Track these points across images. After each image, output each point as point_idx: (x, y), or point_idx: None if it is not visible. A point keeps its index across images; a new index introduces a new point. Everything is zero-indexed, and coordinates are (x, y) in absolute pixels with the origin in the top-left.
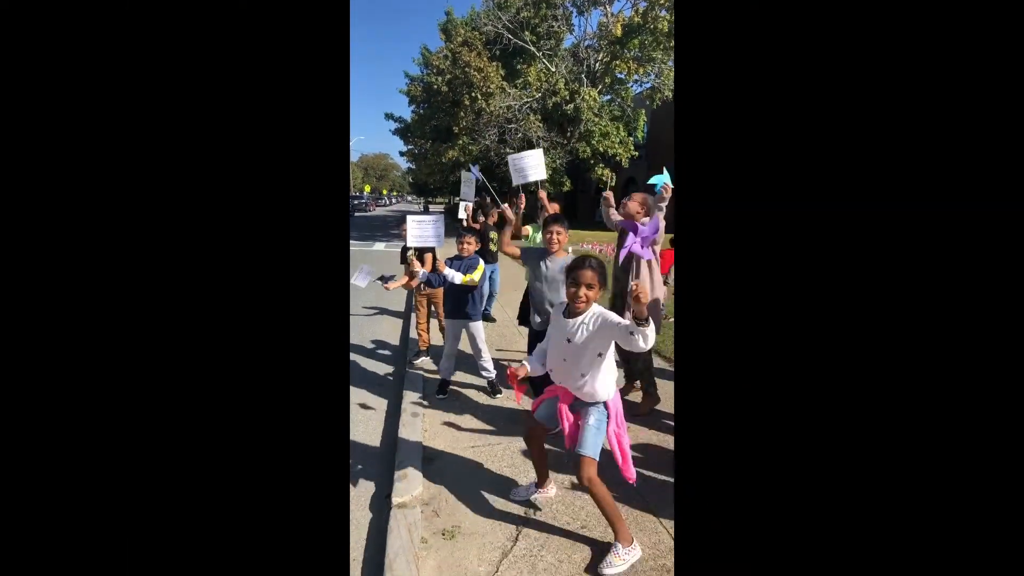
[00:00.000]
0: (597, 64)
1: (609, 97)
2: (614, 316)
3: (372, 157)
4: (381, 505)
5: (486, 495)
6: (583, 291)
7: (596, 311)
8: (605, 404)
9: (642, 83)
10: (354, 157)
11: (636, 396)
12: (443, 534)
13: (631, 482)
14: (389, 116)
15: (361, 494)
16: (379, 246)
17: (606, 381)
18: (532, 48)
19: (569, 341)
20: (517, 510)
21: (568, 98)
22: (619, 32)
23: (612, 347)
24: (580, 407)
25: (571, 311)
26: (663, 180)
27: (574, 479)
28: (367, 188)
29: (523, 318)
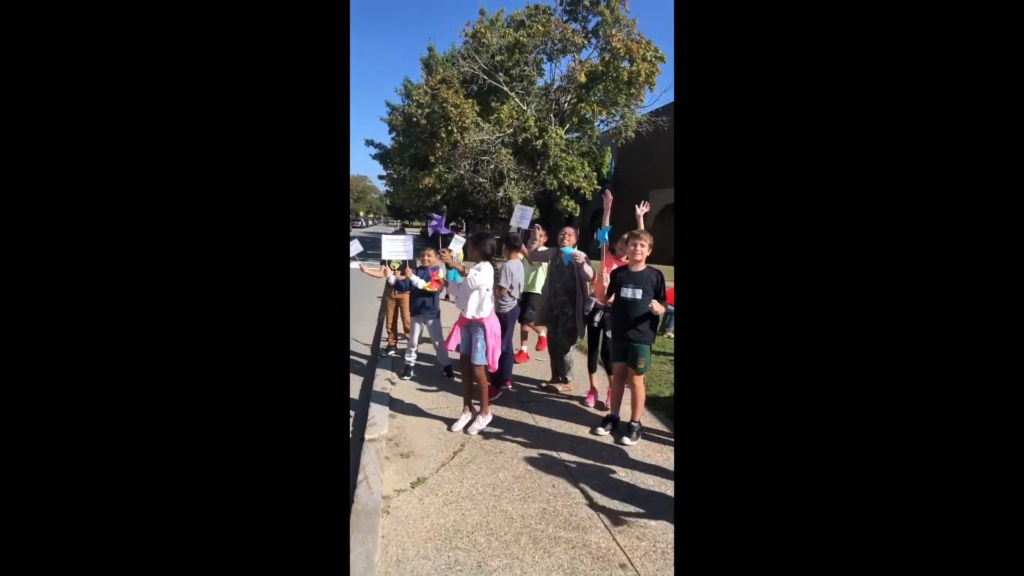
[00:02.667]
0: (566, 105)
1: (577, 135)
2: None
3: (351, 179)
4: (356, 444)
5: (435, 434)
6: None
7: (479, 266)
8: (484, 326)
9: (607, 123)
10: None
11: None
12: (400, 455)
13: (492, 367)
14: (370, 142)
15: None
16: (354, 265)
17: (483, 306)
18: (505, 88)
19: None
20: (456, 443)
21: (537, 135)
22: (583, 79)
23: (485, 287)
24: (473, 330)
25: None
26: (603, 236)
27: (509, 418)
28: None
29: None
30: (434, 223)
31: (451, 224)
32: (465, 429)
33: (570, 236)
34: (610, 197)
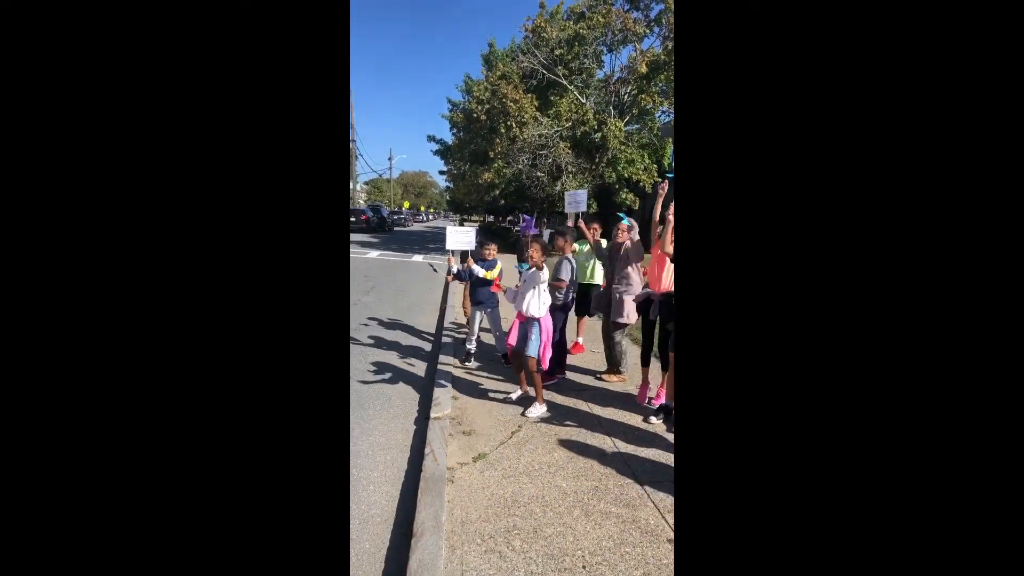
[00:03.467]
0: (626, 96)
1: (637, 126)
2: (535, 272)
3: (412, 174)
4: (422, 421)
5: (495, 415)
6: (534, 253)
7: (537, 269)
8: (539, 323)
9: (669, 114)
10: (395, 174)
11: (612, 381)
12: (463, 433)
13: (544, 366)
14: (431, 138)
15: (409, 414)
16: (417, 258)
17: (535, 305)
18: (564, 82)
19: (524, 281)
20: (513, 424)
21: (596, 127)
22: (644, 69)
23: (543, 285)
24: (529, 325)
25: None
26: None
27: (564, 404)
28: (406, 204)
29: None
30: (524, 224)
31: (508, 219)
32: (523, 413)
33: (623, 232)
34: (665, 187)
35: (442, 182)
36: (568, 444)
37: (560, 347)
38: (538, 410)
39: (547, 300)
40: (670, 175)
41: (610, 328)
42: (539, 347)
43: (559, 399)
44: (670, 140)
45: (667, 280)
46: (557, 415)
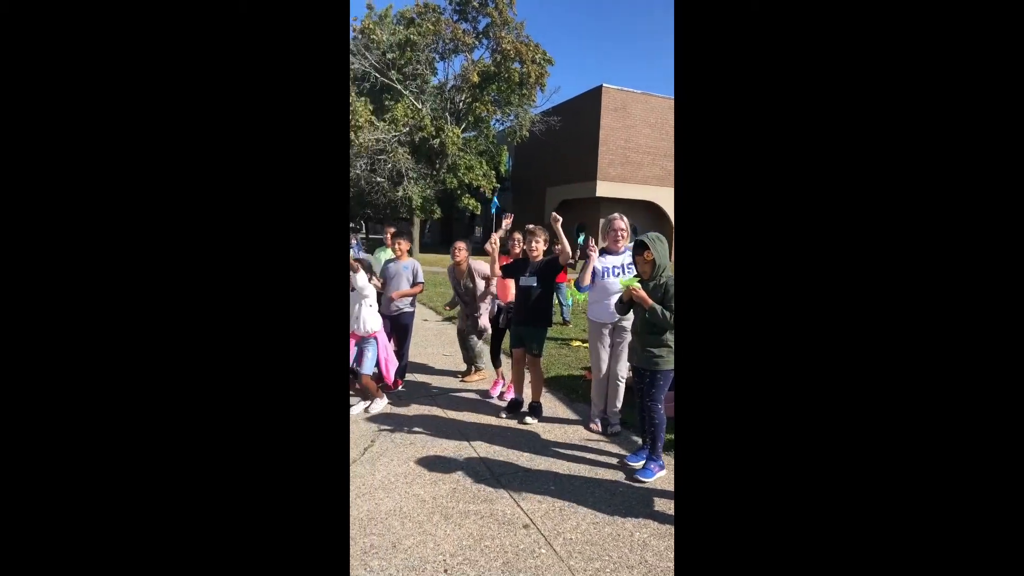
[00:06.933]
0: (461, 104)
1: (474, 134)
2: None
3: None
4: None
5: None
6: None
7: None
8: (376, 339)
9: (502, 122)
10: None
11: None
12: None
13: (388, 381)
14: None
15: None
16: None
17: (369, 321)
18: (399, 87)
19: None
20: (366, 439)
21: (434, 133)
22: (476, 79)
23: (368, 300)
24: (365, 344)
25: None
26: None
27: (419, 412)
28: None
29: None
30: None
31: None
32: (366, 410)
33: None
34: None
35: None
36: (424, 451)
37: (400, 358)
38: (380, 405)
39: (376, 315)
40: (497, 204)
41: (468, 330)
42: (379, 364)
43: (413, 407)
44: (505, 148)
45: (509, 292)
46: (412, 424)
